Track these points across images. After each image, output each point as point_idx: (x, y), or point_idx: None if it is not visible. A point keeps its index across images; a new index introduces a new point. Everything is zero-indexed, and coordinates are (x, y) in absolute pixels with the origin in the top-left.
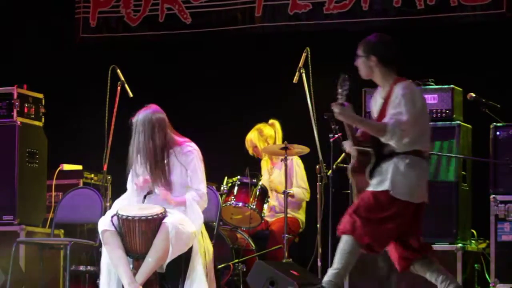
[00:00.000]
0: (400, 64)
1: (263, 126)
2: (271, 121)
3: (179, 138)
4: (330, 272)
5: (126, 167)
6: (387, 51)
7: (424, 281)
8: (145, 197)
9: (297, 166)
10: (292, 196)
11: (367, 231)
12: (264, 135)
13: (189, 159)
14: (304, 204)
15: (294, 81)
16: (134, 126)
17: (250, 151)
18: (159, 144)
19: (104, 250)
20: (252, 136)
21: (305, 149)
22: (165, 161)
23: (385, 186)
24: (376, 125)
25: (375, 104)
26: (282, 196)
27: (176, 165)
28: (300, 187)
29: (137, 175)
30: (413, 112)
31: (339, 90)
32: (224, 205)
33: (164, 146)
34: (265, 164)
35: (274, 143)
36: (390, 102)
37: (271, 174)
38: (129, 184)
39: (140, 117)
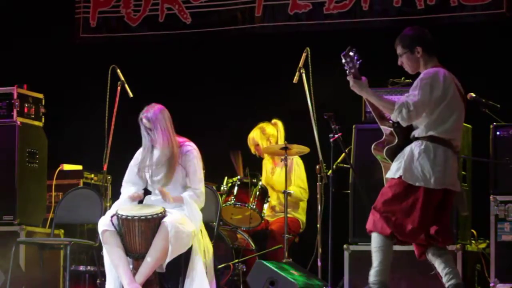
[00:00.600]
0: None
1: (266, 125)
2: (274, 120)
3: (179, 138)
4: (372, 271)
5: (126, 167)
6: (429, 39)
7: (424, 281)
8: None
9: (297, 165)
10: (290, 194)
11: (388, 223)
12: (267, 134)
13: (188, 159)
14: (304, 204)
15: (294, 81)
16: (141, 124)
17: (252, 150)
18: (164, 143)
19: (106, 253)
20: (254, 135)
21: (305, 149)
22: (169, 160)
23: (399, 172)
24: (386, 101)
25: None
26: (282, 195)
27: (179, 164)
28: (298, 187)
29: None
30: (426, 98)
31: (348, 64)
32: (224, 205)
33: (168, 145)
34: (267, 164)
35: (276, 142)
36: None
37: (273, 174)
38: (125, 190)
39: (145, 115)
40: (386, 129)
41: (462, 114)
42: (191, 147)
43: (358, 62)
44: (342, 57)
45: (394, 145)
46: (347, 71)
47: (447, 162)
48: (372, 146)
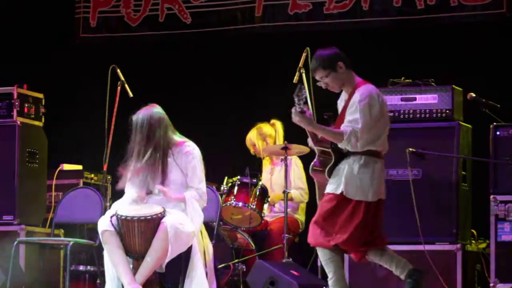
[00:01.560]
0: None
1: (263, 125)
2: (272, 121)
3: (178, 138)
4: (330, 283)
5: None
6: (344, 54)
7: (423, 281)
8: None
9: (296, 166)
10: (291, 199)
11: (329, 237)
12: (263, 134)
13: (188, 159)
14: (303, 205)
15: (294, 81)
16: (134, 125)
17: (251, 150)
18: (158, 144)
19: (106, 253)
20: (251, 135)
21: (305, 149)
22: (165, 161)
23: (340, 189)
24: (334, 132)
25: (339, 106)
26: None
27: (176, 165)
28: (298, 188)
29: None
30: (368, 120)
31: (296, 99)
32: (224, 205)
33: (163, 146)
34: (266, 164)
35: (274, 142)
36: (348, 106)
37: (272, 174)
38: (129, 190)
39: (140, 116)
40: (318, 149)
41: (389, 123)
42: (191, 147)
43: (305, 97)
44: (295, 97)
45: (332, 164)
46: (296, 109)
47: (382, 174)
48: (311, 168)
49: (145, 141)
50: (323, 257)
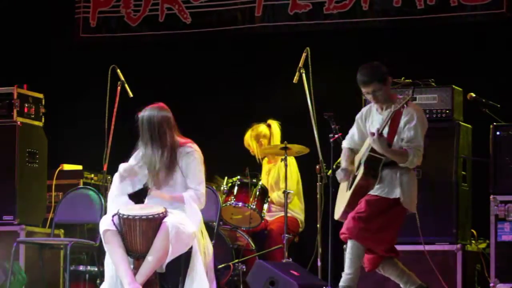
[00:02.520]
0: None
1: (258, 126)
2: (269, 121)
3: (181, 139)
4: (345, 277)
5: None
6: (386, 68)
7: (423, 281)
8: (145, 197)
9: (288, 166)
10: (272, 202)
11: (370, 236)
12: (257, 135)
13: (190, 160)
14: (302, 204)
15: (294, 81)
16: (140, 123)
17: (250, 150)
18: (165, 143)
19: (107, 252)
20: (246, 136)
21: (305, 149)
22: (172, 161)
23: (395, 194)
24: (399, 154)
25: (365, 122)
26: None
27: (178, 165)
28: (282, 191)
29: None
30: (423, 136)
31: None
32: (224, 205)
33: (171, 145)
34: (264, 164)
35: (269, 143)
36: (404, 121)
37: (268, 174)
38: (113, 187)
39: (146, 114)
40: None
41: None
42: (192, 148)
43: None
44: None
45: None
46: (378, 130)
47: None
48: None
49: (153, 140)
50: (355, 251)
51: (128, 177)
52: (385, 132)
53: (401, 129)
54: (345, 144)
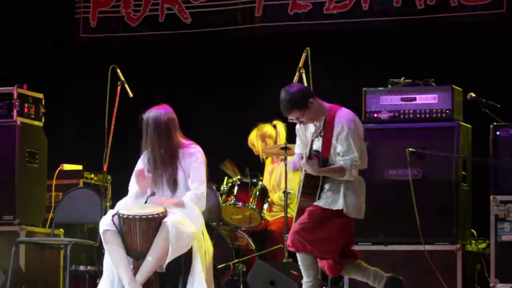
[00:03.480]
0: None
1: (264, 126)
2: (274, 122)
3: (184, 141)
4: (305, 286)
5: (126, 167)
6: (308, 88)
7: (423, 280)
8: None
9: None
10: (273, 202)
11: (316, 246)
12: (263, 134)
13: (192, 160)
14: None
15: (294, 81)
16: (145, 124)
17: (254, 150)
18: (169, 145)
19: (106, 252)
20: (252, 135)
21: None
22: (175, 162)
23: (339, 205)
24: (335, 171)
25: (308, 134)
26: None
27: (181, 167)
28: (282, 192)
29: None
30: (359, 144)
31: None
32: (224, 205)
33: (174, 147)
34: (267, 165)
35: (275, 143)
36: (335, 134)
37: (271, 175)
38: (132, 186)
39: (152, 115)
40: (303, 174)
41: None
42: (195, 150)
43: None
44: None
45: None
46: (305, 155)
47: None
48: (298, 193)
49: (160, 141)
50: (305, 262)
51: (140, 178)
52: (319, 147)
53: (335, 143)
54: (296, 150)
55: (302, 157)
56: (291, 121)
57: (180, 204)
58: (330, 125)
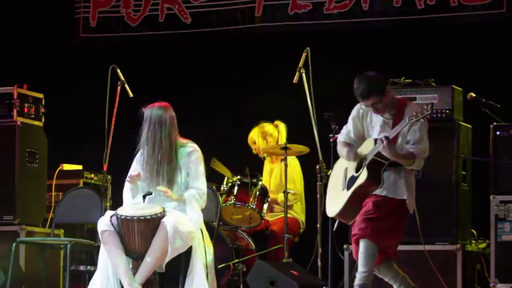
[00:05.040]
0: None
1: (266, 124)
2: (276, 122)
3: (182, 139)
4: (359, 276)
5: (126, 167)
6: (382, 77)
7: (424, 280)
8: (144, 197)
9: (290, 166)
10: (276, 201)
11: (383, 236)
12: (264, 133)
13: (191, 159)
14: (303, 205)
15: (294, 81)
16: (147, 121)
17: (252, 148)
18: (168, 142)
19: (102, 248)
20: (253, 133)
21: (305, 149)
22: (172, 161)
23: (402, 195)
24: (405, 157)
25: (362, 121)
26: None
27: (179, 165)
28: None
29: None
30: (426, 135)
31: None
32: (224, 205)
33: (173, 145)
34: (266, 165)
35: (276, 143)
36: (407, 126)
37: (271, 175)
38: (126, 194)
39: (154, 112)
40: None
41: None
42: (194, 148)
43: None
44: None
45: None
46: (385, 137)
47: None
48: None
49: (161, 138)
50: (368, 249)
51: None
52: (390, 135)
53: (406, 131)
54: (341, 138)
55: (382, 140)
56: (365, 107)
57: (181, 199)
58: (401, 114)
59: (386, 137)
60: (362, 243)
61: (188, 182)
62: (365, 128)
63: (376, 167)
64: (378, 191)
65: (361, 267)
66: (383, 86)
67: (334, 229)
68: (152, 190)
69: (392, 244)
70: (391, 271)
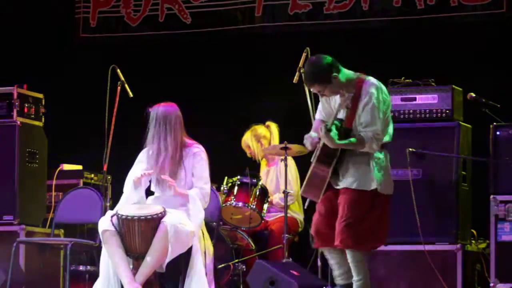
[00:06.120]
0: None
1: (258, 127)
2: (267, 122)
3: (188, 140)
4: (356, 284)
5: (126, 167)
6: (333, 59)
7: (424, 281)
8: (146, 196)
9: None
10: (271, 202)
11: (365, 238)
12: (257, 135)
13: (196, 160)
14: (301, 205)
15: (294, 81)
16: (153, 119)
17: (247, 152)
18: (175, 142)
19: (104, 250)
20: (246, 137)
21: (305, 149)
22: (179, 161)
23: (373, 184)
24: (355, 143)
25: (330, 102)
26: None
27: (184, 166)
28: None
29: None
30: (383, 116)
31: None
32: (224, 205)
33: (178, 145)
34: (262, 166)
35: (269, 144)
36: (362, 105)
37: (267, 177)
38: (128, 187)
39: (162, 110)
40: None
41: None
42: (199, 149)
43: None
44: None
45: (337, 157)
46: (324, 127)
47: None
48: (316, 157)
49: (167, 136)
50: (356, 259)
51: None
52: (343, 116)
53: (360, 112)
54: (317, 115)
55: (321, 128)
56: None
57: (185, 195)
58: (358, 95)
59: (324, 126)
60: (348, 253)
61: (192, 182)
62: (333, 108)
63: (331, 149)
64: (348, 183)
65: (355, 276)
66: (326, 75)
67: (305, 207)
68: (155, 190)
69: (381, 240)
70: (341, 257)
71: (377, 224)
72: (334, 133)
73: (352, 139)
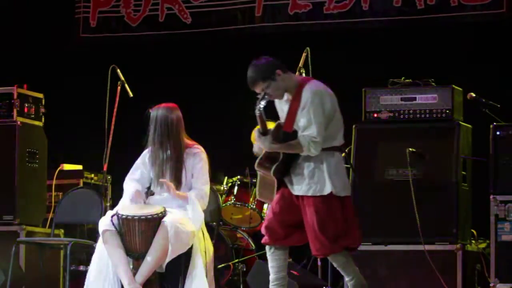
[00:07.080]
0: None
1: (269, 123)
2: (278, 122)
3: (188, 141)
4: (350, 283)
5: (126, 167)
6: (277, 60)
7: (424, 281)
8: (146, 193)
9: None
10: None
11: (342, 237)
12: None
13: (196, 160)
14: None
15: None
16: (154, 121)
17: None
18: (176, 143)
19: (97, 247)
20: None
21: None
22: (179, 162)
23: (327, 188)
24: (293, 147)
25: (282, 109)
26: None
27: (185, 167)
28: None
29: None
30: (323, 119)
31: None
32: (224, 205)
33: (180, 146)
34: None
35: None
36: (300, 108)
37: None
38: (128, 185)
39: (162, 113)
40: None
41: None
42: (199, 150)
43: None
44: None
45: (280, 162)
46: (259, 131)
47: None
48: (256, 163)
49: (169, 139)
50: (339, 261)
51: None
52: (283, 119)
53: (299, 116)
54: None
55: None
56: (259, 95)
57: (184, 198)
58: (298, 98)
59: (258, 131)
60: (330, 259)
61: (192, 183)
62: (283, 111)
63: (272, 153)
64: (303, 191)
65: (346, 277)
66: (269, 72)
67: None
68: (156, 191)
69: (354, 236)
70: (284, 259)
71: (344, 224)
72: (265, 138)
73: (291, 142)
